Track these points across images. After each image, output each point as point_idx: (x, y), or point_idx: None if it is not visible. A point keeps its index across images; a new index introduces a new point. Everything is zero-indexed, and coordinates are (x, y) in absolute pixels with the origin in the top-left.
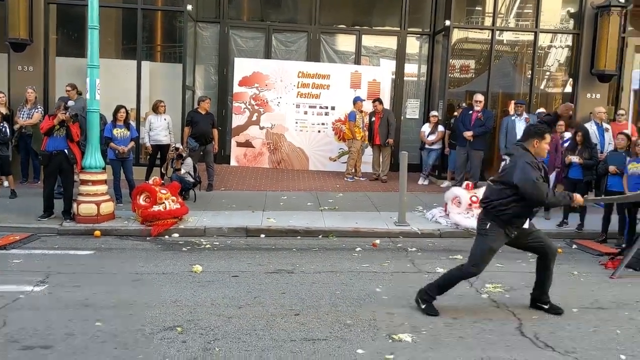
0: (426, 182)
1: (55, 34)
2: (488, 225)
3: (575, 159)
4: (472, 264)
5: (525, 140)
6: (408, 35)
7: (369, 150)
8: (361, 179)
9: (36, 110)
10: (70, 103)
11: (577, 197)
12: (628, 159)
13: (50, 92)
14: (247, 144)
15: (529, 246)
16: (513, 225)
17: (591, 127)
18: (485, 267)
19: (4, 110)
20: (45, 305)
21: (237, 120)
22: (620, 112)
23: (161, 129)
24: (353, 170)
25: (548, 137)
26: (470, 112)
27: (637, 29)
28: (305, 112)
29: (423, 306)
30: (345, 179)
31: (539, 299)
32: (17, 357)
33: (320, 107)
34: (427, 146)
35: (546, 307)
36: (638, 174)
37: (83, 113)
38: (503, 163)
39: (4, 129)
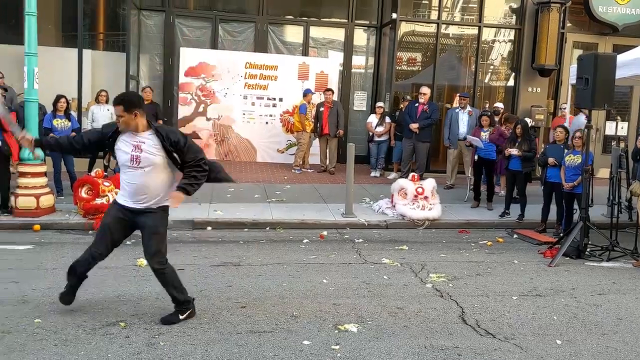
0: (378, 174)
1: None
2: None
3: (514, 151)
4: None
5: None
6: (356, 27)
7: (316, 142)
8: (309, 170)
9: None
10: None
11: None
12: (566, 151)
13: None
14: (194, 136)
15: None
16: None
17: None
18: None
19: None
20: None
21: (183, 111)
22: (563, 106)
23: (104, 119)
24: (301, 162)
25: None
26: (417, 104)
27: (575, 25)
28: (253, 104)
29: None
30: (293, 170)
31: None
32: None
33: (268, 99)
34: (376, 138)
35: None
36: (574, 166)
37: (10, 103)
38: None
39: None
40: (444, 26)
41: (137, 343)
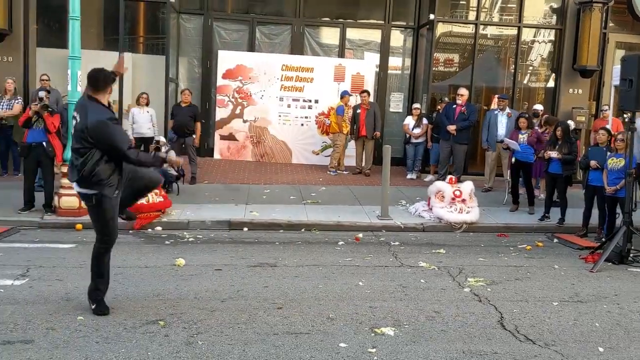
0: (414, 177)
1: (35, 24)
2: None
3: (554, 154)
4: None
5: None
6: (392, 28)
7: (352, 144)
8: (344, 172)
9: (16, 101)
10: (42, 93)
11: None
12: (609, 153)
13: (30, 83)
14: (231, 137)
15: None
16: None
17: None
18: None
19: None
20: (25, 300)
21: (220, 114)
22: (604, 107)
23: (144, 121)
24: (337, 164)
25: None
26: (454, 106)
27: (617, 25)
28: (289, 105)
29: (93, 306)
30: (328, 172)
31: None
32: None
33: (304, 100)
34: (413, 140)
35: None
36: (617, 169)
37: (56, 105)
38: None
39: None
40: (482, 26)
41: (176, 342)
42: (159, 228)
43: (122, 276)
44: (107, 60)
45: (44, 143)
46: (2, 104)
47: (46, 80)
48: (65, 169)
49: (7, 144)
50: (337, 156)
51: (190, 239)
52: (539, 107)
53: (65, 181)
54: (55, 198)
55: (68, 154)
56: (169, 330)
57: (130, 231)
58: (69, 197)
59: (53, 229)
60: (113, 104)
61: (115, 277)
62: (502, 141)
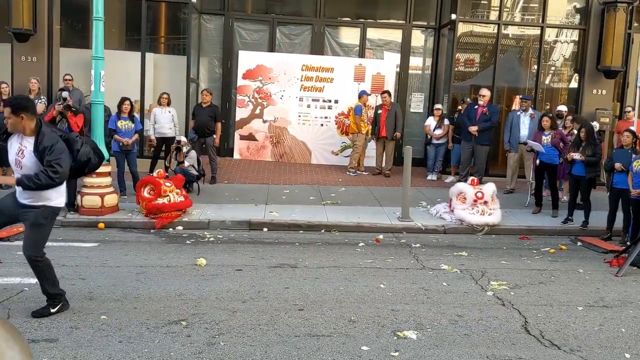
0: (435, 178)
1: (59, 25)
2: None
3: (576, 155)
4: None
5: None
6: (413, 28)
7: (372, 144)
8: (364, 173)
9: (40, 101)
10: (65, 94)
11: None
12: (634, 156)
13: (54, 83)
14: (250, 137)
15: None
16: None
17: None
18: None
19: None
20: None
21: (240, 114)
22: (628, 109)
23: (166, 121)
24: (356, 165)
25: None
26: (476, 106)
27: None
28: (309, 106)
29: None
30: (348, 173)
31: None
32: None
33: (324, 101)
34: (434, 141)
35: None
36: None
37: (79, 105)
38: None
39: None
40: (504, 26)
41: (198, 342)
42: (180, 228)
43: (144, 276)
44: (128, 60)
45: None
46: None
47: (69, 80)
48: None
49: None
50: (357, 157)
51: (211, 239)
52: (563, 108)
53: (88, 180)
54: (78, 197)
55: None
56: (191, 330)
57: (152, 230)
58: (92, 196)
59: (76, 228)
60: (135, 104)
61: (138, 276)
62: (525, 143)
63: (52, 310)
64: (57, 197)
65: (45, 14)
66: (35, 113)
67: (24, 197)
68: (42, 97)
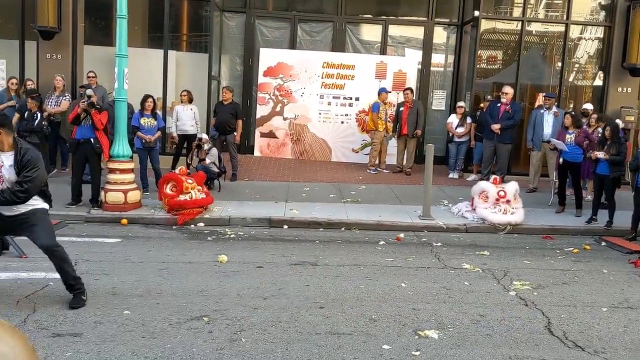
0: (456, 176)
1: (83, 23)
2: None
3: (600, 154)
4: None
5: None
6: (435, 25)
7: (393, 142)
8: (384, 171)
9: (64, 98)
10: (89, 91)
11: None
12: None
13: (78, 80)
14: (271, 135)
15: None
16: None
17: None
18: None
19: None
20: None
21: (261, 111)
22: None
23: (187, 119)
24: (376, 162)
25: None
26: (499, 104)
27: None
28: (329, 103)
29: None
30: (368, 170)
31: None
32: (48, 345)
33: (344, 98)
34: (456, 139)
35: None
36: None
37: (102, 102)
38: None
39: (36, 116)
40: (527, 23)
41: (219, 339)
42: (201, 224)
43: (166, 271)
44: (150, 57)
45: (92, 139)
46: (50, 100)
47: (93, 78)
48: (111, 165)
49: (56, 139)
50: (375, 154)
51: (232, 236)
52: (588, 106)
53: (111, 177)
54: (102, 193)
55: (115, 150)
56: (213, 326)
57: (174, 227)
58: (115, 192)
59: (100, 223)
60: (157, 101)
61: (161, 272)
62: (548, 141)
63: (84, 298)
64: (43, 202)
65: (70, 12)
66: (12, 128)
67: (12, 210)
68: (66, 94)
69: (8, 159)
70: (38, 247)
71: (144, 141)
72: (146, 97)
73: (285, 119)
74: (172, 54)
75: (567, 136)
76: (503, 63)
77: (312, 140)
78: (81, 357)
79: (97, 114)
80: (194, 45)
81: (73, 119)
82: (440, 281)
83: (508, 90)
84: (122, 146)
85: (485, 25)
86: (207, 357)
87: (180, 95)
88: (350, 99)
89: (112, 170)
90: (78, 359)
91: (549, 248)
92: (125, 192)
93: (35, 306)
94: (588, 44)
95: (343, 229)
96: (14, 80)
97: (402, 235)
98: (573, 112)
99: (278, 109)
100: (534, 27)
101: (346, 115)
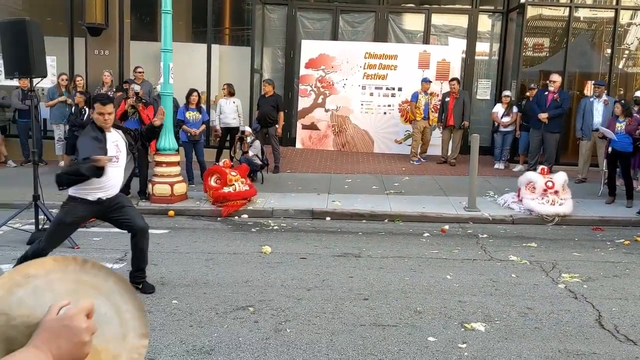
0: (502, 167)
1: (129, 19)
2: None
3: None
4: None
5: None
6: (480, 13)
7: (436, 132)
8: (423, 160)
9: (112, 93)
10: (136, 87)
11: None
12: None
13: (125, 75)
14: (312, 127)
15: (118, 222)
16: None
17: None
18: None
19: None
20: None
21: (302, 103)
22: None
23: (230, 112)
24: (416, 152)
25: (97, 106)
26: (546, 93)
27: None
28: (371, 94)
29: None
30: (411, 161)
31: (132, 277)
32: None
33: (387, 89)
34: (501, 129)
35: (139, 286)
36: None
37: (148, 97)
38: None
39: (84, 111)
40: (575, 9)
41: (265, 328)
42: (245, 216)
43: (212, 262)
44: (194, 51)
45: None
46: None
47: (141, 73)
48: (158, 158)
49: None
50: (416, 145)
51: (275, 227)
52: (639, 93)
53: (158, 169)
54: (149, 185)
55: (161, 143)
56: (258, 316)
57: (219, 218)
58: (162, 184)
59: (147, 215)
60: (201, 95)
61: (207, 262)
62: (597, 130)
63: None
64: None
65: (117, 8)
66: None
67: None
68: (114, 89)
69: (119, 136)
70: (126, 230)
71: (189, 134)
72: (191, 91)
73: (327, 110)
74: (215, 47)
75: (617, 125)
76: (550, 50)
77: (354, 132)
78: None
79: (144, 109)
80: (236, 39)
81: (121, 114)
82: (486, 273)
83: (556, 78)
84: (168, 140)
85: (531, 12)
86: (253, 346)
87: (222, 89)
88: (393, 89)
89: (158, 164)
90: None
91: (599, 240)
92: (171, 184)
93: None
94: (639, 30)
95: (386, 220)
96: (64, 77)
97: (446, 227)
98: (623, 100)
99: (320, 100)
100: (582, 13)
101: (389, 105)
